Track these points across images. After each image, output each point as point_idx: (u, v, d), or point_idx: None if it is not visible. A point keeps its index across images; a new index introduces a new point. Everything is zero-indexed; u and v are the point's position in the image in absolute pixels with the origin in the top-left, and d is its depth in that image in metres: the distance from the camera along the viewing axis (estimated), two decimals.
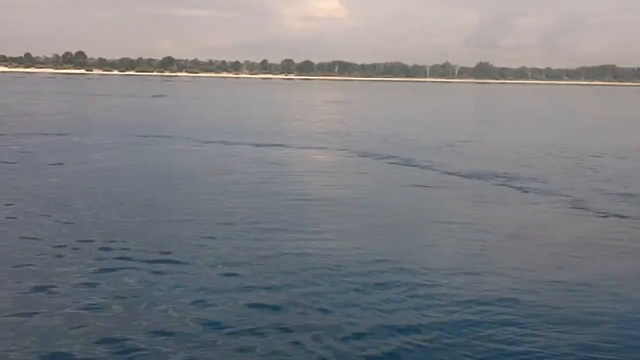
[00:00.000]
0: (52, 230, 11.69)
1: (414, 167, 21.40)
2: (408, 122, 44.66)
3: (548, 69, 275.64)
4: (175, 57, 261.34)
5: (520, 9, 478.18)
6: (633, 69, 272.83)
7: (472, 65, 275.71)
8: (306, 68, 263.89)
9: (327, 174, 19.83)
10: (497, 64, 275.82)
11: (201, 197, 15.24)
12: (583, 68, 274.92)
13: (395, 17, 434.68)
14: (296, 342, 7.29)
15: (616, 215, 14.21)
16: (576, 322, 8.22)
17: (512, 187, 17.75)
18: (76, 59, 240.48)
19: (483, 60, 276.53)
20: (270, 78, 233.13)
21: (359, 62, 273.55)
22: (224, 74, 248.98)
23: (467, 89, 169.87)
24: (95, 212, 13.14)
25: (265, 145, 26.42)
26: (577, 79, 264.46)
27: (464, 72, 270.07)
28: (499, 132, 37.02)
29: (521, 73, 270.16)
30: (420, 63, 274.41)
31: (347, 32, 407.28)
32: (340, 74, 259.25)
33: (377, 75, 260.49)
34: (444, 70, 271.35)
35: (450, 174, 19.88)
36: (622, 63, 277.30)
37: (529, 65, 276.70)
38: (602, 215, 14.33)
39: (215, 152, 24.57)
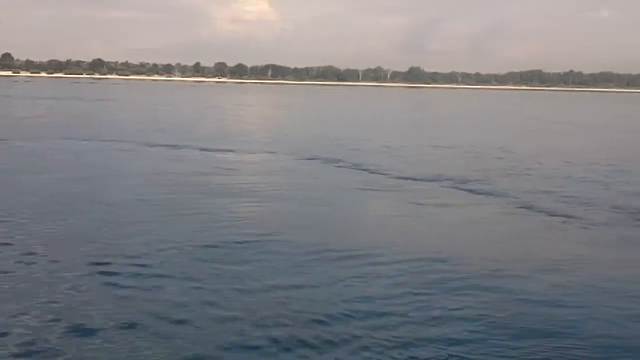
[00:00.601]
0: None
1: (362, 171, 21.83)
2: (344, 125, 45.58)
3: (478, 74, 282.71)
4: (105, 59, 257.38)
5: (449, 15, 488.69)
6: (559, 74, 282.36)
7: (404, 69, 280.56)
8: (239, 71, 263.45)
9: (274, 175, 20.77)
10: (428, 69, 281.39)
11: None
12: (511, 73, 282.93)
13: (326, 22, 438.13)
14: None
15: (563, 216, 14.97)
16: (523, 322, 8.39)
17: (461, 189, 18.53)
18: (3, 61, 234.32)
19: (414, 65, 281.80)
20: (204, 81, 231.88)
21: (292, 66, 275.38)
22: (156, 77, 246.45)
23: (402, 93, 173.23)
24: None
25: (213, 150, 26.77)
26: (506, 83, 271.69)
27: (396, 76, 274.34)
28: (444, 136, 38.07)
29: (452, 78, 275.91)
30: (353, 67, 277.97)
31: (278, 35, 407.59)
32: (274, 77, 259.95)
33: (311, 79, 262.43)
34: (376, 75, 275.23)
35: (399, 178, 20.43)
36: (549, 68, 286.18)
37: (459, 70, 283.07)
38: (548, 215, 15.11)
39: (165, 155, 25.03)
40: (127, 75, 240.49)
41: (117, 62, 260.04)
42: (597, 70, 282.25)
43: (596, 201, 16.82)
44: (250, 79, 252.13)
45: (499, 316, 8.55)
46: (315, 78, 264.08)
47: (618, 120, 66.38)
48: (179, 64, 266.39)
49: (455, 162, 24.83)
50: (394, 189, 18.77)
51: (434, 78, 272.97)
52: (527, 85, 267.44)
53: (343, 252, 11.23)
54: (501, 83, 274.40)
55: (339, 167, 22.79)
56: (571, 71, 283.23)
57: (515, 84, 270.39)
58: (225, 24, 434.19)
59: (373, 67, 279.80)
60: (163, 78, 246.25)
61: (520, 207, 15.97)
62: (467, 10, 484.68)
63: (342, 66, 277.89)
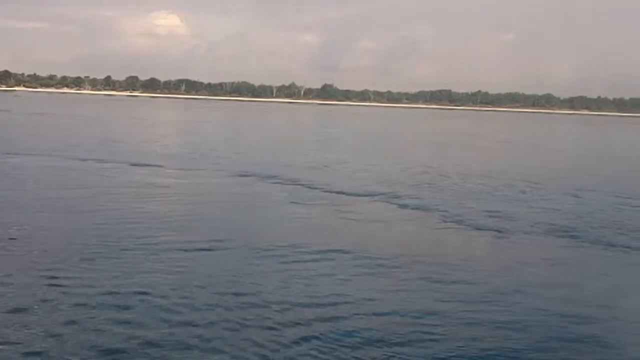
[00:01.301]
0: None
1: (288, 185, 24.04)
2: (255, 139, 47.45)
3: (389, 92, 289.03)
4: (12, 70, 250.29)
5: (361, 34, 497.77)
6: (467, 93, 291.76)
7: (318, 86, 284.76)
8: (152, 85, 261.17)
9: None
10: (341, 86, 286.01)
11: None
12: (422, 92, 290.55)
13: (238, 37, 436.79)
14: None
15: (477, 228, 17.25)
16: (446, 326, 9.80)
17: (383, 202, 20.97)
18: None
19: (328, 82, 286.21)
20: (114, 95, 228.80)
21: (205, 81, 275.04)
22: (65, 90, 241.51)
23: (316, 109, 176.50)
24: None
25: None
26: (416, 102, 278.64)
27: (309, 93, 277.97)
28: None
29: (364, 95, 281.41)
30: (267, 83, 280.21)
31: (190, 50, 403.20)
32: (187, 92, 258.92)
33: (225, 94, 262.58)
34: (290, 91, 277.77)
35: (332, 192, 22.68)
36: (457, 88, 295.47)
37: (371, 88, 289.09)
38: (467, 227, 17.30)
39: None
40: (35, 88, 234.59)
41: (22, 73, 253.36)
42: (504, 90, 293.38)
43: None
44: (163, 93, 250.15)
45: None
46: (229, 93, 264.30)
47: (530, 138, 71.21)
48: (88, 77, 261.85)
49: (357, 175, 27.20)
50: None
51: (347, 95, 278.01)
52: (436, 103, 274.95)
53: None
54: (412, 101, 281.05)
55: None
56: (479, 91, 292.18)
57: (425, 102, 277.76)
58: (136, 38, 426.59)
59: (287, 83, 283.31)
60: (72, 91, 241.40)
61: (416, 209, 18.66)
62: (378, 30, 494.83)
63: (256, 82, 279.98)
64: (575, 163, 41.50)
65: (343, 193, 22.16)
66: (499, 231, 16.63)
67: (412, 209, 19.80)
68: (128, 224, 15.39)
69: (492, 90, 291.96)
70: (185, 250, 13.16)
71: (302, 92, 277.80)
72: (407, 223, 18.08)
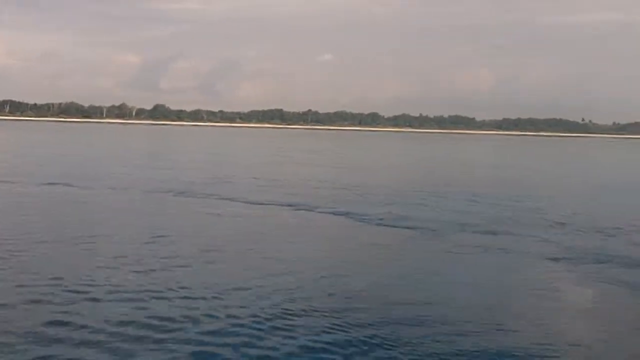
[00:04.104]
0: None
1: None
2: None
3: (221, 111, 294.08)
4: None
5: (184, 53, 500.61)
6: (298, 112, 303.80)
7: (149, 106, 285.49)
8: None
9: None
10: (173, 106, 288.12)
11: None
12: (254, 111, 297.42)
13: (57, 55, 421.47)
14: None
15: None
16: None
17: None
18: None
19: (159, 102, 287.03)
20: None
21: (32, 102, 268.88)
22: None
23: (151, 130, 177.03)
24: None
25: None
26: (250, 121, 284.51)
27: (141, 113, 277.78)
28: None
29: (197, 115, 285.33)
30: (96, 104, 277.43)
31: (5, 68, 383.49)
32: (12, 113, 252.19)
33: (53, 115, 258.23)
34: (121, 112, 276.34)
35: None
36: (288, 107, 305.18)
37: (204, 108, 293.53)
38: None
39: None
40: None
41: None
42: (332, 110, 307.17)
43: None
44: None
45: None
46: (57, 114, 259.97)
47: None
48: None
49: None
50: None
51: (179, 115, 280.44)
52: (269, 122, 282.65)
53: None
54: (245, 120, 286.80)
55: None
56: (309, 110, 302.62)
57: (258, 121, 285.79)
58: None
59: (117, 103, 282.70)
60: None
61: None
62: (200, 49, 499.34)
63: (85, 102, 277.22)
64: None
65: None
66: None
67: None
68: None
69: (322, 109, 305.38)
70: None
71: (133, 113, 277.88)
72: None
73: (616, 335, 11.83)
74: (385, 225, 22.76)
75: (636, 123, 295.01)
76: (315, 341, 10.64)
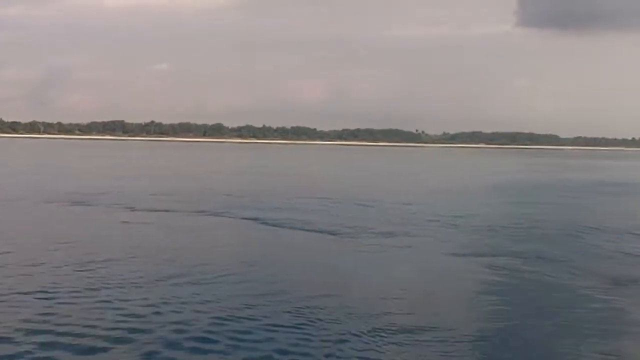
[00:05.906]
0: None
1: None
2: None
3: (59, 123, 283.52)
4: None
5: (9, 61, 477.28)
6: (140, 124, 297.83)
7: None
8: None
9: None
10: (5, 117, 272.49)
11: None
12: (94, 123, 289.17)
13: None
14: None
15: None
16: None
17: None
18: None
19: None
20: None
21: None
22: None
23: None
24: None
25: None
26: (89, 133, 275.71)
27: None
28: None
29: (33, 127, 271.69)
30: None
31: None
32: None
33: None
34: None
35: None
36: (130, 119, 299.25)
37: (39, 119, 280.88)
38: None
39: None
40: None
41: None
42: (176, 121, 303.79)
43: None
44: None
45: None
46: None
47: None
48: None
49: None
50: None
51: (14, 127, 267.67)
52: (110, 134, 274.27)
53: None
54: (85, 132, 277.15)
55: None
56: (152, 121, 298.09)
57: (98, 133, 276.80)
58: None
59: None
60: None
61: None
62: (35, 56, 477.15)
63: None
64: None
65: None
66: None
67: None
68: None
69: (165, 120, 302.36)
70: None
71: None
72: None
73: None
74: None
75: (463, 133, 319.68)
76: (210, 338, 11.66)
